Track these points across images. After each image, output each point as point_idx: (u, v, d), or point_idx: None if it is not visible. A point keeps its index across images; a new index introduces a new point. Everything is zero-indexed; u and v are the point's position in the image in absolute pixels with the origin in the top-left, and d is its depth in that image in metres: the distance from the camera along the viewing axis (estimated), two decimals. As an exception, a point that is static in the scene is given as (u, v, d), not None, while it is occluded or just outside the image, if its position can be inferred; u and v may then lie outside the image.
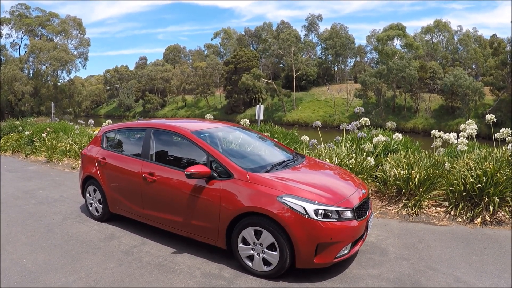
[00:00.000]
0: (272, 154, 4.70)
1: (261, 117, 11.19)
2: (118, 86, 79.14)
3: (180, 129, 4.43)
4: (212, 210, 3.81)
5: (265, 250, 3.56)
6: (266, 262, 3.60)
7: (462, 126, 6.86)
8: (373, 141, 6.63)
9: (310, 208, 3.38)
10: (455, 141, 6.39)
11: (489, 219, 5.25)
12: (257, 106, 11.07)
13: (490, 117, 6.47)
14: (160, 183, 4.25)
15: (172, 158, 4.52)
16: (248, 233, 3.61)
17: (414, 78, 42.85)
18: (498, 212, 5.33)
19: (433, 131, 7.27)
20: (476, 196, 5.37)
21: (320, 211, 3.40)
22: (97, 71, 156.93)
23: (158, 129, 4.68)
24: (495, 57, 46.53)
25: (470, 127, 6.21)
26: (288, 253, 3.43)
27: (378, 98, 47.39)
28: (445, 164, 5.94)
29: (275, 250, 3.49)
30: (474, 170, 5.57)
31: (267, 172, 3.89)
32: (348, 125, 7.57)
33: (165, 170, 4.29)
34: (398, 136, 6.47)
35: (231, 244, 3.79)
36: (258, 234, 3.56)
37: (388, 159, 6.49)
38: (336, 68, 67.31)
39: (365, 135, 7.48)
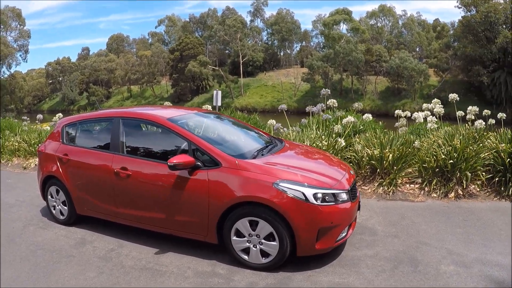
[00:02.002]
0: (252, 139, 4.49)
1: (219, 103, 10.86)
2: (60, 79, 73.81)
3: (154, 117, 4.06)
4: (199, 203, 3.53)
5: (263, 241, 3.38)
6: (263, 254, 3.43)
7: (424, 105, 7.14)
8: (343, 122, 6.68)
9: (309, 192, 3.27)
10: (422, 120, 6.63)
11: (461, 193, 5.49)
12: (214, 91, 10.69)
13: (453, 96, 6.75)
14: (136, 178, 3.88)
15: (147, 150, 4.16)
16: (243, 224, 3.39)
17: (360, 61, 44.28)
18: (469, 186, 5.59)
19: (397, 111, 7.46)
20: (448, 172, 5.58)
21: (319, 195, 3.31)
22: (38, 64, 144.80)
23: (127, 118, 4.27)
24: (439, 40, 49.51)
25: (437, 106, 6.44)
26: (288, 242, 3.29)
27: (325, 81, 48.25)
28: (415, 142, 6.11)
29: (274, 240, 3.33)
30: (443, 147, 5.79)
31: (254, 158, 3.69)
32: (313, 107, 7.60)
33: (140, 163, 3.92)
34: (368, 116, 6.56)
35: (223, 238, 3.56)
36: (253, 224, 3.36)
37: (357, 139, 6.58)
38: (282, 53, 67.92)
39: (330, 117, 7.56)
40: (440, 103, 6.58)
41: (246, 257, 3.49)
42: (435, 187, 5.61)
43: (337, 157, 5.00)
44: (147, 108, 4.67)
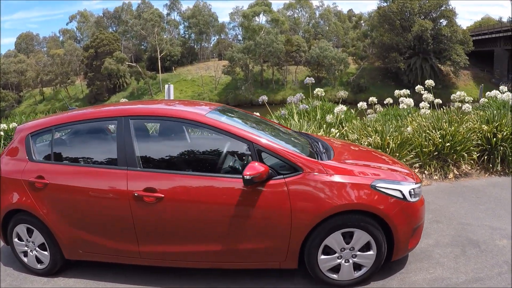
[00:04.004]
0: (293, 136, 3.67)
1: (172, 98, 9.64)
2: (-35, 85, 62.31)
3: (188, 114, 2.99)
4: (277, 222, 2.73)
5: (357, 253, 2.81)
6: (355, 267, 2.88)
7: (396, 92, 6.99)
8: (335, 111, 6.27)
9: (406, 190, 2.86)
10: (404, 106, 6.49)
11: (458, 173, 5.53)
12: (166, 86, 9.31)
13: (424, 85, 6.72)
14: (172, 201, 2.81)
15: (182, 159, 3.10)
16: (335, 239, 2.76)
17: (281, 52, 44.81)
18: (462, 166, 5.61)
19: (370, 98, 7.25)
20: (444, 154, 5.51)
21: (411, 192, 2.90)
22: None
23: (141, 117, 3.12)
24: (357, 30, 52.10)
25: (425, 92, 6.34)
26: (386, 248, 2.83)
27: (246, 73, 48.15)
28: (408, 128, 5.92)
29: (369, 250, 2.81)
30: (434, 131, 5.69)
31: (326, 159, 3.04)
32: (293, 98, 7.12)
33: (176, 179, 2.85)
34: (363, 105, 6.21)
35: (305, 259, 2.83)
36: (346, 237, 2.78)
37: (346, 128, 6.21)
38: (199, 47, 66.31)
39: (307, 107, 7.12)
40: (423, 89, 6.51)
41: (335, 276, 2.87)
42: (433, 170, 5.51)
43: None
44: (154, 104, 3.57)
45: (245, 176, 2.56)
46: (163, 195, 2.79)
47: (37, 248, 3.30)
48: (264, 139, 2.87)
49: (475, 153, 5.53)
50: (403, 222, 2.81)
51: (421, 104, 6.16)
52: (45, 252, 3.26)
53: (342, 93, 6.58)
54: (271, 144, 2.83)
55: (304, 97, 7.13)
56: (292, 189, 2.70)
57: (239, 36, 59.97)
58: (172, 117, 3.05)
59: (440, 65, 43.10)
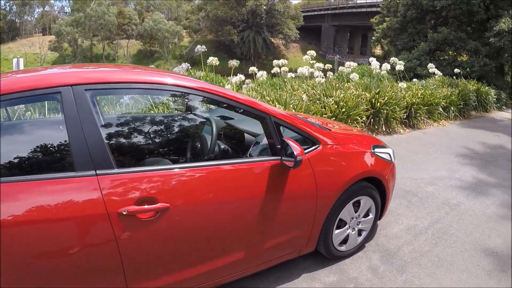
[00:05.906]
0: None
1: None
2: None
3: (177, 79, 1.85)
4: (304, 205, 2.21)
5: (362, 219, 2.68)
6: (358, 233, 2.76)
7: (276, 61, 6.98)
8: (232, 81, 5.71)
9: (391, 151, 2.89)
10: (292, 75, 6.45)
11: (351, 135, 5.85)
12: (15, 60, 7.61)
13: (310, 53, 6.82)
14: (185, 209, 1.74)
15: (179, 147, 2.27)
16: (348, 210, 2.51)
17: (113, 25, 40.35)
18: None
19: (251, 68, 6.97)
20: (340, 119, 5.71)
21: (393, 153, 2.96)
22: None
23: (103, 85, 1.67)
24: (191, 3, 50.23)
25: (317, 65, 6.40)
26: (380, 209, 2.79)
27: (74, 49, 42.21)
28: (303, 97, 5.91)
29: (369, 214, 2.73)
30: (327, 98, 5.83)
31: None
32: (180, 68, 6.21)
33: (185, 176, 1.77)
34: (263, 73, 5.82)
35: (321, 237, 2.46)
36: (354, 205, 2.59)
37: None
38: (21, 21, 53.93)
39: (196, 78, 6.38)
40: (312, 57, 6.55)
41: (343, 247, 2.63)
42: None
43: None
44: (113, 69, 1.98)
45: (297, 157, 1.92)
46: (168, 205, 1.70)
47: None
48: (278, 110, 2.15)
49: (365, 117, 5.95)
50: (392, 183, 2.83)
51: (315, 73, 6.22)
52: None
53: (234, 62, 5.99)
54: (288, 115, 2.18)
55: (190, 67, 6.29)
56: (315, 165, 2.21)
57: (66, 8, 51.63)
58: (159, 84, 1.79)
59: (272, 38, 46.01)
